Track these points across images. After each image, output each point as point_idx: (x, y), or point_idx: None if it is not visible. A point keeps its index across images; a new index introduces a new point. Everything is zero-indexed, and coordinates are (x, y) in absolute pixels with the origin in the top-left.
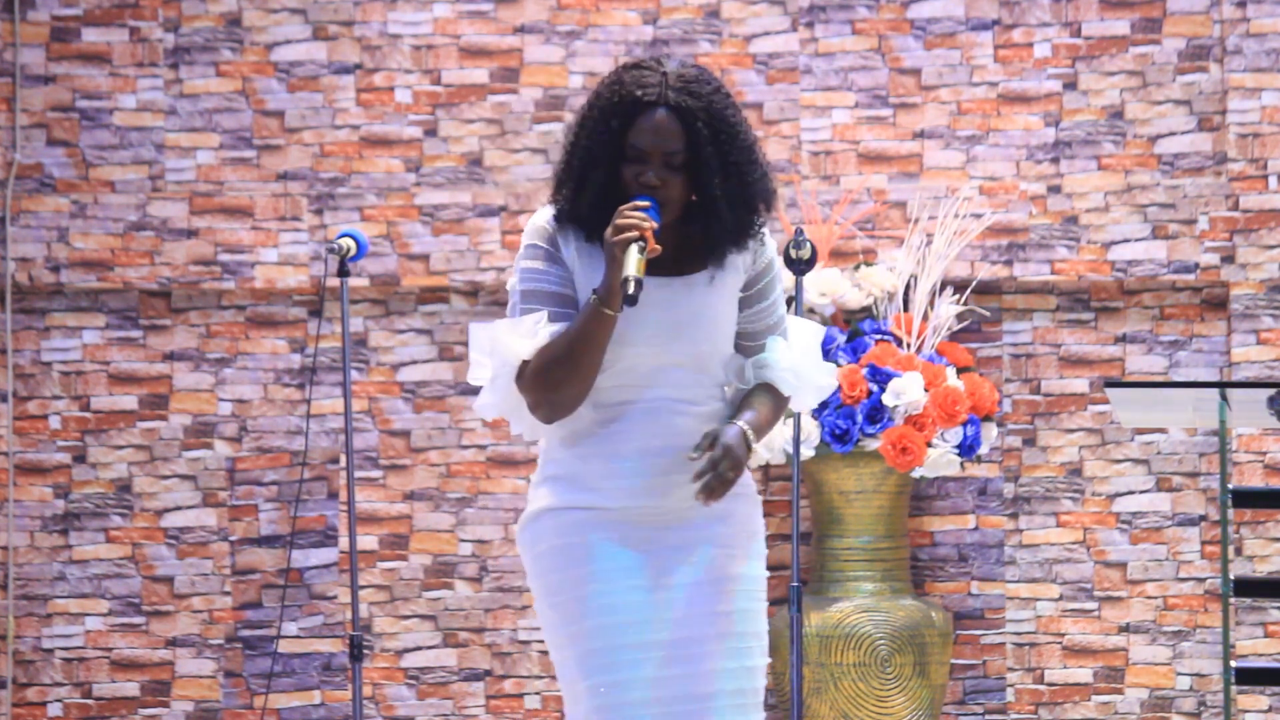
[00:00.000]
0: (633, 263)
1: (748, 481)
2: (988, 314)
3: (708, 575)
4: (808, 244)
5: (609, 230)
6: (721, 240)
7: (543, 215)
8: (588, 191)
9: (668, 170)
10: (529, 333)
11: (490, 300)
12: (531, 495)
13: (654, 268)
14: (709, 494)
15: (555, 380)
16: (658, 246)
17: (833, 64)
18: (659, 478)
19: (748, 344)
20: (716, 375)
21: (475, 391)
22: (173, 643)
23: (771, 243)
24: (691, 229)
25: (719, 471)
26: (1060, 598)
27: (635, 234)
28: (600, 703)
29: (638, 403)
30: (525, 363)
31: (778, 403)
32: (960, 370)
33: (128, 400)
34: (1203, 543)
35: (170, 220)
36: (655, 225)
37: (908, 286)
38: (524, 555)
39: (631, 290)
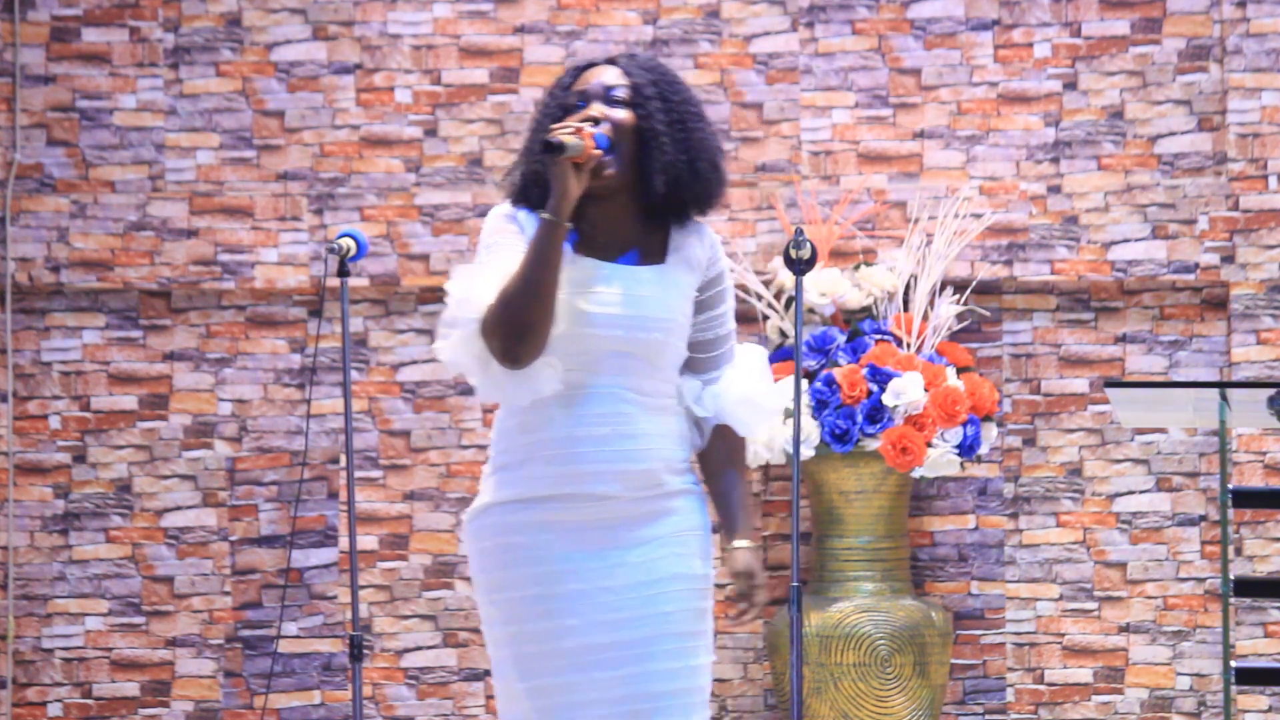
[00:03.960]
0: (562, 135)
1: (693, 479)
2: (988, 314)
3: (650, 575)
4: (808, 244)
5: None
6: (668, 176)
7: (499, 207)
8: (540, 166)
9: (609, 106)
10: (492, 277)
11: None
12: (482, 486)
13: (611, 255)
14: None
15: (513, 306)
16: (597, 152)
17: (833, 64)
18: (611, 465)
19: (697, 355)
20: (668, 371)
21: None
22: (173, 643)
23: (725, 256)
24: (648, 223)
25: (761, 608)
26: (1060, 598)
27: (570, 128)
28: (542, 704)
29: (590, 388)
30: (490, 308)
31: (744, 466)
32: (960, 370)
33: (128, 400)
34: (1203, 543)
35: (170, 220)
36: (593, 133)
37: (908, 286)
38: (468, 549)
39: (553, 141)
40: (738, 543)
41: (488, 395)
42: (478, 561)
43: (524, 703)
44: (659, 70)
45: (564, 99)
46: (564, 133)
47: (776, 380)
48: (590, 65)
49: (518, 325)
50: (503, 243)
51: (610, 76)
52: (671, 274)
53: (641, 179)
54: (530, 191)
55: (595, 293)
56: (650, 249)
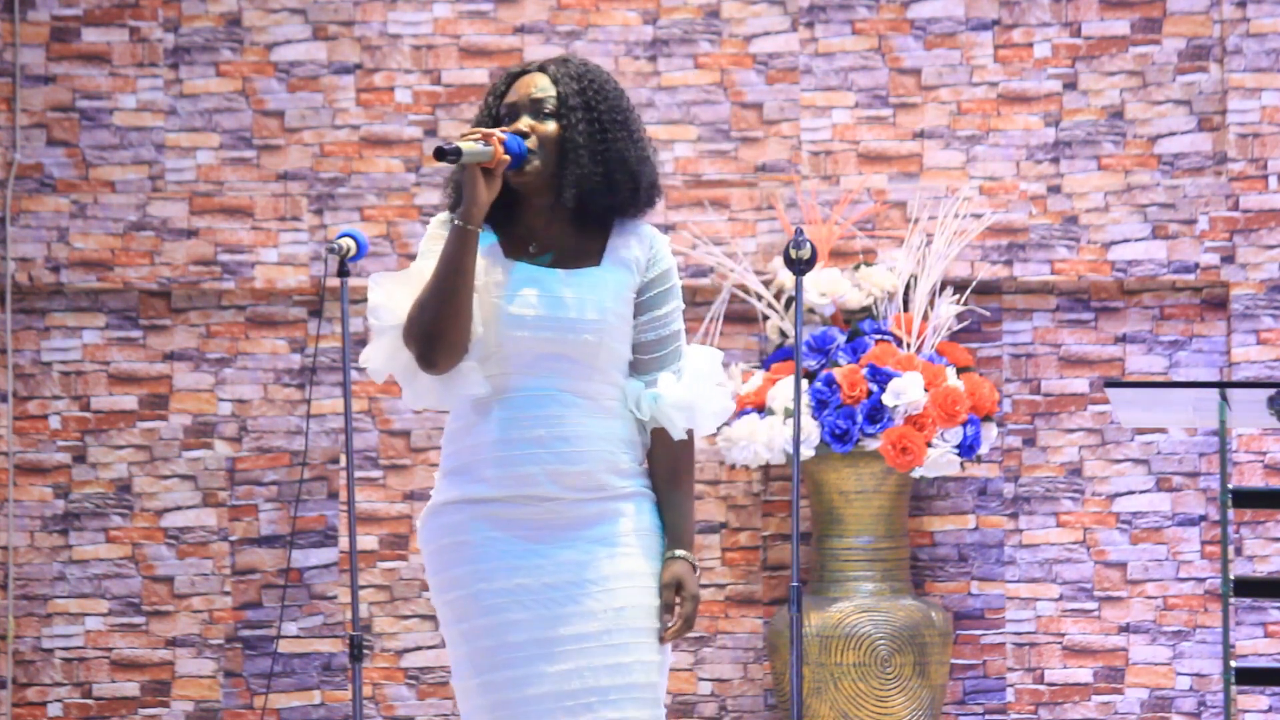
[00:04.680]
0: (464, 142)
1: (644, 482)
2: (988, 314)
3: (597, 572)
4: (808, 244)
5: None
6: (580, 188)
7: (439, 215)
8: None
9: (536, 117)
10: (411, 283)
11: None
12: (434, 489)
13: (542, 259)
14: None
15: (427, 312)
16: (506, 157)
17: (833, 64)
18: (545, 467)
19: (641, 356)
20: (610, 373)
21: None
22: (173, 643)
23: (669, 257)
24: (584, 228)
25: (689, 621)
26: (1060, 598)
27: (476, 135)
28: (493, 699)
29: (524, 391)
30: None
31: (687, 473)
32: (960, 370)
33: (128, 400)
34: (1203, 543)
35: (170, 220)
36: (504, 138)
37: (908, 286)
38: (422, 550)
39: (447, 148)
40: (674, 553)
41: (415, 401)
42: (429, 562)
43: (477, 698)
44: (588, 78)
45: (495, 109)
46: (470, 139)
47: (777, 380)
48: (523, 73)
49: (432, 330)
50: (429, 248)
51: (538, 86)
52: (605, 275)
53: (555, 186)
54: (456, 197)
55: (523, 295)
56: (585, 251)
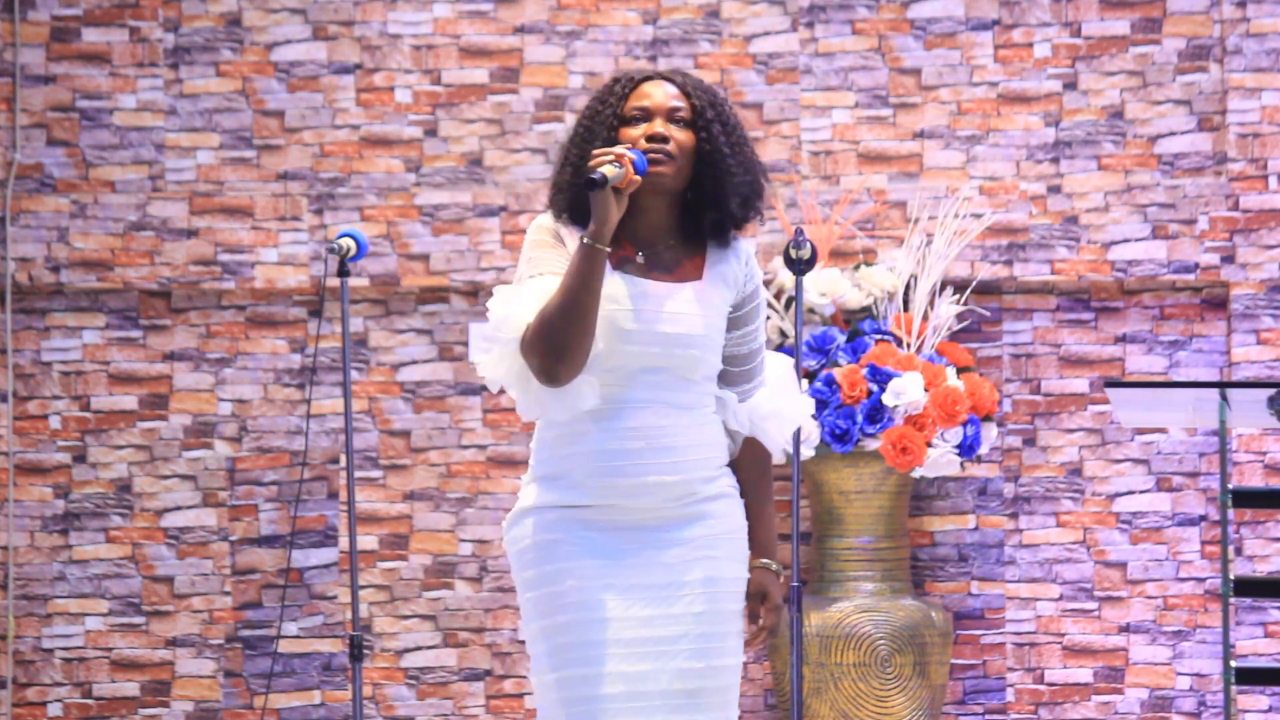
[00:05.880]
0: (605, 167)
1: (731, 482)
2: (988, 314)
3: (682, 576)
4: (808, 244)
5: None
6: (725, 208)
7: (543, 217)
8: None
9: (673, 124)
10: (533, 297)
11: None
12: (521, 493)
13: (650, 272)
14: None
15: (553, 328)
16: (637, 178)
17: (833, 64)
18: (645, 478)
19: (731, 369)
20: (704, 385)
21: (476, 391)
22: (173, 643)
23: (759, 273)
24: (686, 240)
25: (773, 632)
26: (1060, 598)
27: (610, 156)
28: (569, 694)
29: (624, 402)
30: (529, 327)
31: (769, 481)
32: (960, 370)
33: (128, 400)
34: (1203, 543)
35: (170, 220)
36: (634, 158)
37: (908, 286)
38: (509, 551)
39: (596, 178)
40: (760, 562)
41: (528, 412)
42: (516, 560)
43: (554, 693)
44: (712, 91)
45: (619, 109)
46: (604, 162)
47: None
48: (645, 78)
49: (557, 346)
50: (543, 258)
51: (671, 94)
52: (708, 291)
53: (711, 201)
54: (571, 206)
55: (633, 310)
56: (688, 266)
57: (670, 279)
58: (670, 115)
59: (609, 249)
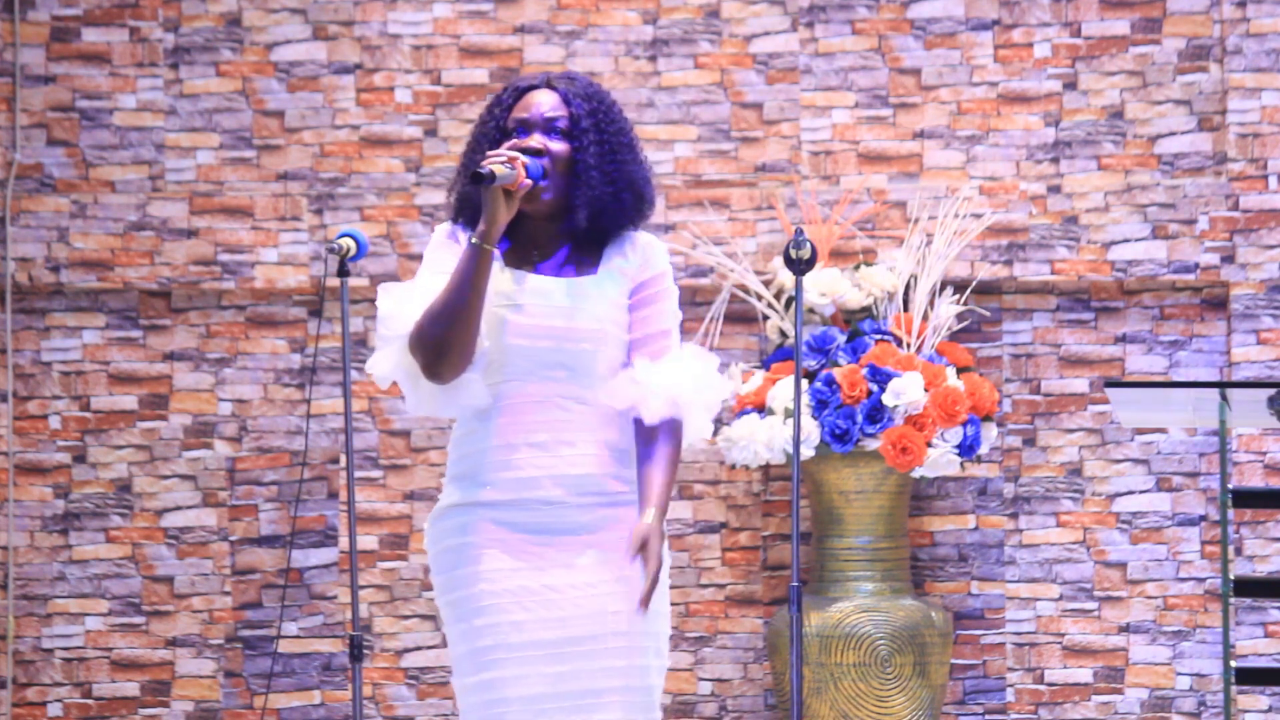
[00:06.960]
0: (495, 166)
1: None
2: (988, 314)
3: (596, 576)
4: (808, 244)
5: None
6: (592, 209)
7: (442, 225)
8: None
9: (549, 136)
10: (421, 295)
11: None
12: (441, 493)
13: (542, 268)
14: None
15: (436, 325)
16: (528, 182)
17: (833, 64)
18: (547, 470)
19: (638, 350)
20: (606, 379)
21: None
22: (173, 643)
23: (661, 262)
24: (578, 235)
25: (654, 581)
26: (1060, 598)
27: (503, 157)
28: (489, 697)
29: (528, 397)
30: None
31: (667, 451)
32: (960, 370)
33: (128, 400)
34: (1203, 543)
35: (170, 220)
36: (527, 162)
37: (908, 286)
38: (427, 553)
39: (484, 172)
40: (646, 512)
41: (416, 408)
42: (434, 563)
43: (474, 696)
44: (596, 98)
45: (503, 122)
46: (496, 162)
47: (776, 380)
48: (530, 88)
49: (440, 344)
50: (435, 259)
51: (550, 105)
52: (602, 285)
53: (567, 208)
54: (466, 210)
55: (524, 305)
56: (582, 261)
57: (563, 275)
58: (547, 126)
59: (496, 249)
